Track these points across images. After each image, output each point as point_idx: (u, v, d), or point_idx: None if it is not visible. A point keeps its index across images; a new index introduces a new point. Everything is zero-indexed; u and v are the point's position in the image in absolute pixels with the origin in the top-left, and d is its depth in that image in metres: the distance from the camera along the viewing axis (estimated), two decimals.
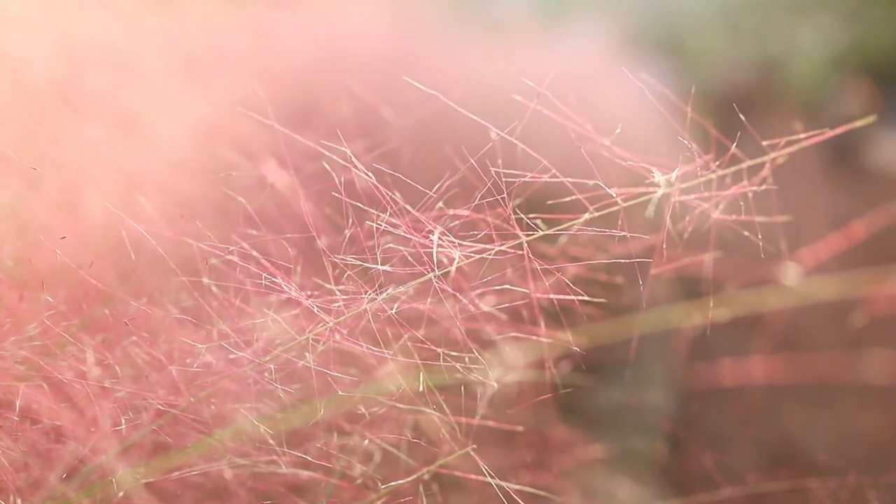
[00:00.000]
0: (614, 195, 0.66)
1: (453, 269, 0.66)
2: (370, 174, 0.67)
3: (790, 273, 0.94)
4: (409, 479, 0.70)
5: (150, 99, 1.07)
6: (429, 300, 0.66)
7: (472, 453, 0.67)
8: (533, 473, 0.95)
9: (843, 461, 0.97)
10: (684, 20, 2.70)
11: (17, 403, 0.69)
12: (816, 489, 0.93)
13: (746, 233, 0.72)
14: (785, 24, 2.64)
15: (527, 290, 0.69)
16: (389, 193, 0.67)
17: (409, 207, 0.68)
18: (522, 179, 0.67)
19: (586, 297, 0.69)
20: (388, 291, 0.66)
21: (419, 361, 0.67)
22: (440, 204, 0.69)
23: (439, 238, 0.66)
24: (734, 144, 0.68)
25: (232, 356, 0.68)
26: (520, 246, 0.67)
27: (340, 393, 0.68)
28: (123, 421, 0.69)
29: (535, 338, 0.74)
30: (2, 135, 0.93)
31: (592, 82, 1.58)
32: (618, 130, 0.68)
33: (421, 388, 0.68)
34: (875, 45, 2.54)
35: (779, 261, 0.91)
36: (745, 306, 0.94)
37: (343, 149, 0.68)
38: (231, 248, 0.69)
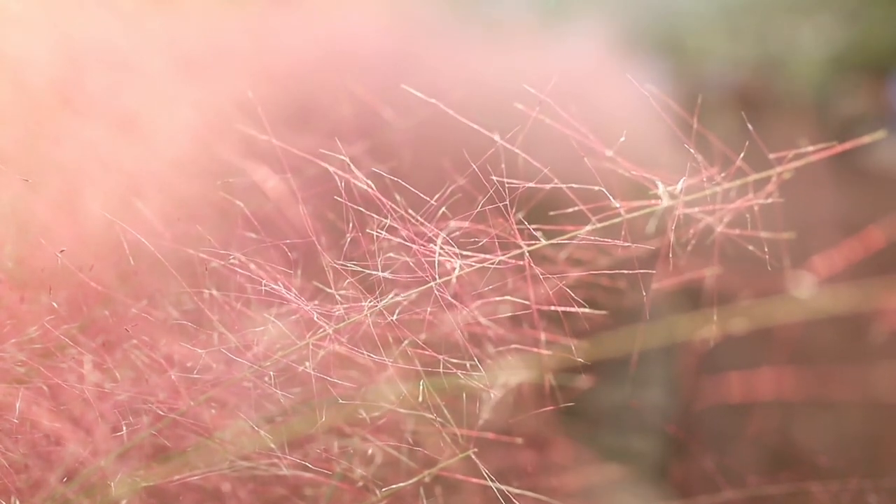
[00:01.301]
0: (618, 206, 0.66)
1: (453, 278, 0.65)
2: (370, 183, 0.66)
3: (802, 284, 0.93)
4: (410, 482, 0.70)
5: (150, 99, 1.07)
6: (429, 309, 0.66)
7: (472, 456, 0.67)
8: (534, 475, 0.94)
9: (844, 464, 0.97)
10: (685, 20, 2.70)
11: (18, 406, 0.69)
12: (818, 492, 0.93)
13: (751, 247, 0.71)
14: (785, 24, 2.64)
15: (527, 303, 0.69)
16: (390, 203, 0.67)
17: (411, 212, 0.68)
18: (525, 186, 0.66)
19: (588, 309, 0.69)
20: (388, 298, 0.66)
21: (420, 368, 0.67)
22: (443, 209, 0.68)
23: (441, 246, 0.66)
24: (740, 156, 0.68)
25: (232, 361, 0.68)
26: (521, 255, 0.67)
27: (341, 401, 0.68)
28: (123, 425, 0.69)
29: (535, 350, 0.74)
30: (2, 135, 0.93)
31: (594, 84, 1.58)
32: (622, 139, 0.68)
33: (420, 399, 0.67)
34: (875, 45, 2.54)
35: (789, 271, 0.90)
36: (755, 319, 0.93)
37: (341, 157, 0.68)
38: (231, 256, 0.69)
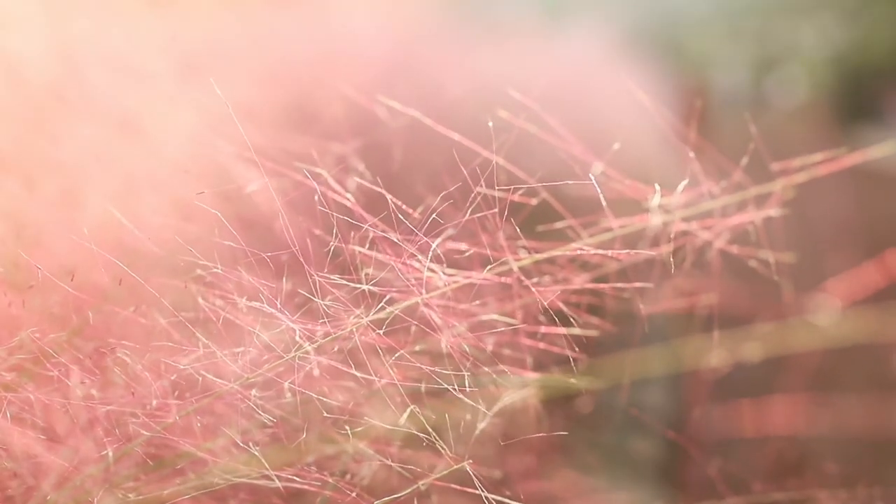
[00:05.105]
0: (613, 226, 0.65)
1: (437, 293, 0.64)
2: (350, 198, 0.66)
3: (823, 308, 0.90)
4: (405, 492, 0.69)
5: (150, 99, 1.07)
6: (413, 329, 0.65)
7: (467, 468, 0.66)
8: (534, 480, 0.94)
9: (853, 470, 0.95)
10: (685, 22, 2.70)
11: (8, 413, 0.68)
12: (825, 499, 0.91)
13: (753, 263, 0.70)
14: (785, 25, 2.63)
15: (514, 322, 0.68)
16: (374, 220, 0.66)
17: (404, 216, 0.67)
18: (518, 193, 0.65)
19: (579, 331, 0.68)
20: (372, 313, 0.65)
21: (405, 382, 0.66)
22: (434, 216, 0.67)
23: (426, 261, 0.65)
24: (742, 161, 0.67)
25: (219, 373, 0.67)
26: (523, 265, 0.66)
27: (326, 415, 0.67)
28: (113, 433, 0.68)
29: (527, 370, 0.73)
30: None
31: (593, 88, 1.58)
32: (616, 146, 0.67)
33: (403, 422, 0.66)
34: (875, 45, 2.54)
35: (807, 294, 0.88)
36: (770, 344, 0.91)
37: (320, 171, 0.67)
38: (214, 267, 0.68)
